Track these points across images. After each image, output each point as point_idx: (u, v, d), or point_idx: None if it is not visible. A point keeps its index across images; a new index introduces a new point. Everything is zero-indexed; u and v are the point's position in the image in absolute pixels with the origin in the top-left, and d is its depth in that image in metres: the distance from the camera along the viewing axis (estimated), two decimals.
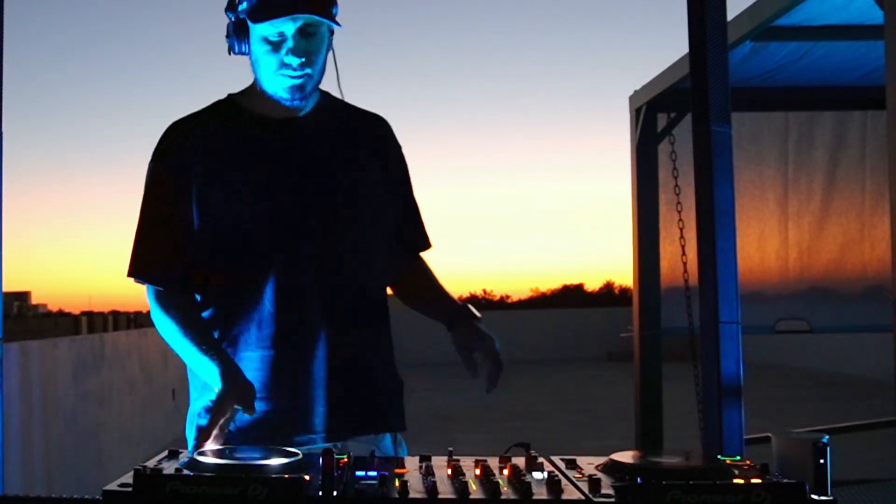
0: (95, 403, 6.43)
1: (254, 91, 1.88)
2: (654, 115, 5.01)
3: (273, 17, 1.73)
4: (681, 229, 4.66)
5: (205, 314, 1.85)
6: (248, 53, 1.83)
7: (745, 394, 2.33)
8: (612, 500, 1.24)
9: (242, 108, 1.89)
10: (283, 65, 1.78)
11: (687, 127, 4.18)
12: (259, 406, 1.73)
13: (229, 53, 1.85)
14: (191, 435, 1.82)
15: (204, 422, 1.64)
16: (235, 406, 1.66)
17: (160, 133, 1.87)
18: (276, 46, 1.77)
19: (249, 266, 1.81)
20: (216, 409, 1.64)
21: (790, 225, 5.23)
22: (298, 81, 1.80)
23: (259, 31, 1.77)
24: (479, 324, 1.92)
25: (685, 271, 4.64)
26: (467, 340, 1.90)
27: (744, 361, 2.32)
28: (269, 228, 1.81)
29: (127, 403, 7.37)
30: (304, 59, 1.78)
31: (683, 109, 4.73)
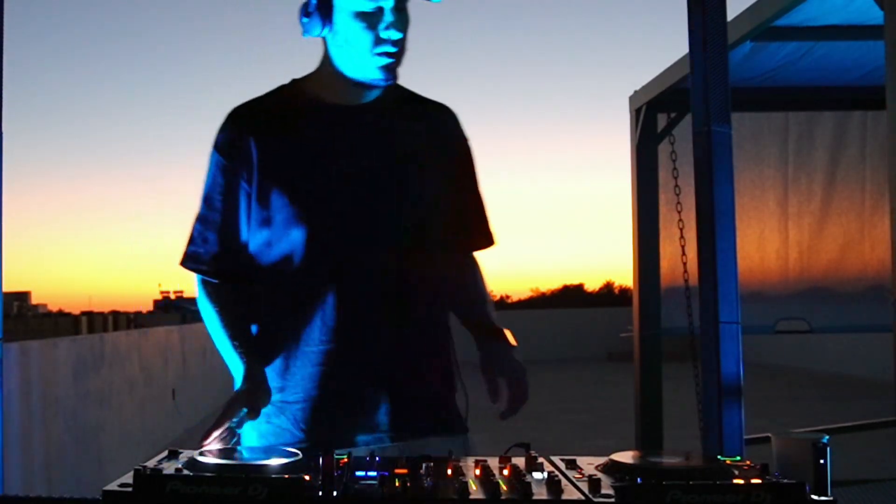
0: (95, 403, 6.43)
1: (321, 76, 1.81)
2: (654, 115, 5.01)
3: None
4: (681, 229, 4.66)
5: (262, 308, 1.81)
6: (326, 34, 1.74)
7: (745, 394, 2.33)
8: (612, 500, 1.23)
9: (309, 95, 1.81)
10: (381, 41, 1.70)
11: (687, 127, 4.18)
12: (321, 403, 1.73)
13: (304, 35, 1.76)
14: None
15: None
16: (242, 410, 1.64)
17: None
18: (371, 22, 1.70)
19: (311, 260, 1.75)
20: (226, 409, 1.63)
21: (790, 225, 5.23)
22: (393, 60, 1.73)
23: (353, 5, 1.69)
24: (513, 351, 1.85)
25: (685, 271, 4.64)
26: (497, 366, 1.82)
27: (744, 361, 2.32)
28: (332, 221, 1.76)
29: (127, 403, 7.37)
30: (402, 35, 1.71)
31: (683, 109, 4.73)
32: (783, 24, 3.74)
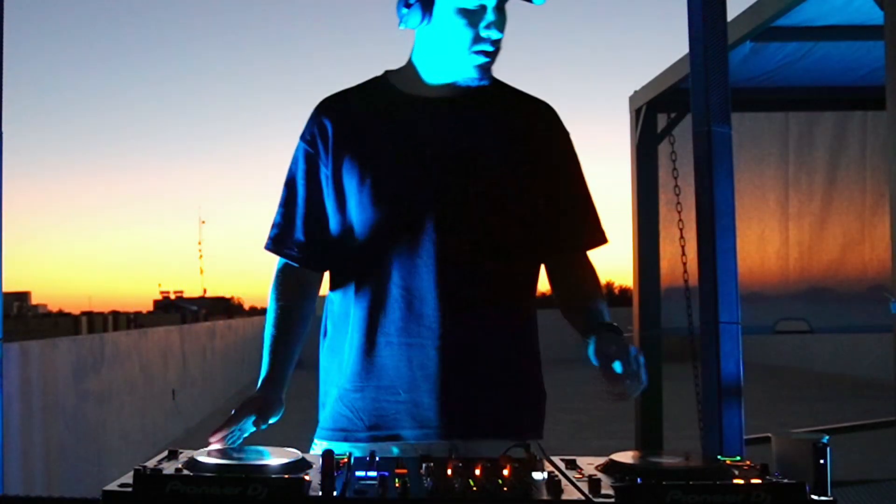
0: (95, 403, 6.43)
1: (411, 69, 1.80)
2: (654, 115, 5.02)
3: None
4: (681, 229, 4.66)
5: (335, 294, 1.82)
6: (423, 29, 1.73)
7: (745, 394, 2.33)
8: (612, 500, 1.23)
9: (397, 87, 1.81)
10: (480, 39, 1.69)
11: (687, 127, 4.18)
12: (377, 393, 1.73)
13: (400, 26, 1.74)
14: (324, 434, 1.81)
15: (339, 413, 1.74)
16: (251, 416, 1.68)
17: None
18: (472, 20, 1.68)
19: (381, 250, 1.74)
20: (236, 413, 1.67)
21: (790, 225, 5.23)
22: (490, 59, 1.71)
23: (456, 1, 1.68)
24: (622, 338, 1.71)
25: (685, 271, 4.64)
26: (610, 351, 1.64)
27: (744, 361, 2.32)
28: (406, 212, 1.73)
29: (127, 403, 7.37)
30: (502, 35, 1.70)
31: (683, 109, 4.73)
32: (783, 25, 3.74)
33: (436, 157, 1.74)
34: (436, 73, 1.77)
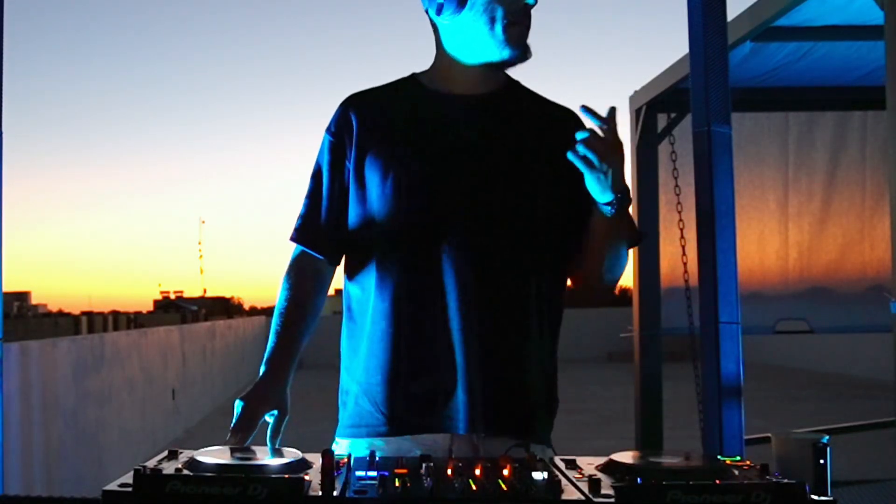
0: (95, 403, 6.43)
1: (439, 69, 1.84)
2: (654, 116, 5.02)
3: None
4: (681, 229, 4.66)
5: (354, 288, 1.82)
6: (454, 19, 1.75)
7: (745, 394, 2.33)
8: (612, 500, 1.23)
9: (424, 84, 1.84)
10: (515, 9, 1.72)
11: (687, 127, 4.18)
12: (399, 386, 1.72)
13: (440, 17, 1.77)
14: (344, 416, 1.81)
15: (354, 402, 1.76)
16: (266, 418, 1.69)
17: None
18: None
19: (402, 245, 1.74)
20: (249, 413, 1.67)
21: (790, 225, 5.23)
22: (524, 29, 1.74)
23: None
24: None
25: (685, 271, 4.64)
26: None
27: (744, 361, 2.32)
28: (428, 206, 1.74)
29: (127, 403, 7.37)
30: (535, 1, 1.73)
31: (683, 109, 4.74)
32: (783, 25, 3.74)
33: (460, 154, 1.75)
34: (461, 67, 1.79)
